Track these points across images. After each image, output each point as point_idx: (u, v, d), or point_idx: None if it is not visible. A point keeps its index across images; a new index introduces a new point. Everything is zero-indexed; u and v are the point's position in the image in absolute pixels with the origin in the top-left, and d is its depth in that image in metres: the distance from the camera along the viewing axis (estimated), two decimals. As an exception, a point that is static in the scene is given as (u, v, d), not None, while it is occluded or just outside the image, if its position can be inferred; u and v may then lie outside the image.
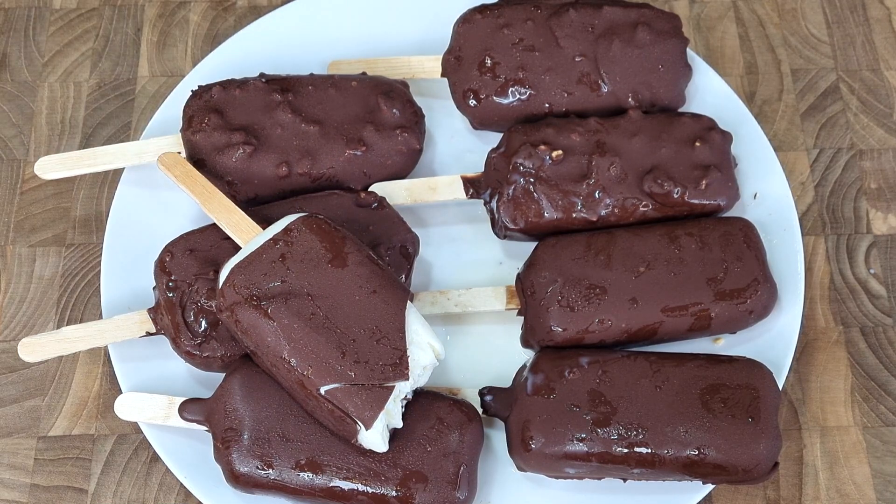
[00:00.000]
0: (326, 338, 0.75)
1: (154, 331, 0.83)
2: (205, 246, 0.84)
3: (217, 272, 0.80)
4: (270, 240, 0.79)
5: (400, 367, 0.76)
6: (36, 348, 0.83)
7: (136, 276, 0.87)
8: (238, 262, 0.78)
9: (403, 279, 0.84)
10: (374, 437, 0.75)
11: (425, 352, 0.78)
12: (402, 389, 0.77)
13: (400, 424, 0.77)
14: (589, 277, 0.82)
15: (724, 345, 0.86)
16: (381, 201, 0.86)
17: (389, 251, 0.83)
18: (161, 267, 0.83)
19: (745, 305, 0.82)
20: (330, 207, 0.85)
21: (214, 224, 0.84)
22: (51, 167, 0.89)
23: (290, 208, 0.85)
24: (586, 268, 0.83)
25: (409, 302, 0.79)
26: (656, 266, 0.83)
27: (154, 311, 0.83)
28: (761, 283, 0.83)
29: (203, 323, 0.81)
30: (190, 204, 0.89)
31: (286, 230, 0.79)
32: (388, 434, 0.77)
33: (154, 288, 0.83)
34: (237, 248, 0.81)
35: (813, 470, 0.87)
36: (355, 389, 0.75)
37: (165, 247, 0.84)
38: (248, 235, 0.81)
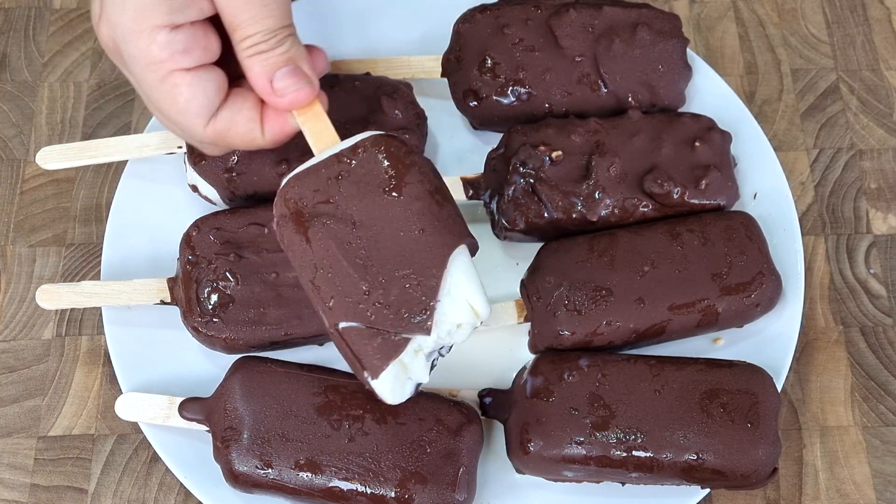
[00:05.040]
0: (356, 271, 0.70)
1: (168, 300, 0.84)
2: (231, 227, 0.84)
3: (238, 255, 0.81)
4: (335, 155, 0.72)
5: (424, 320, 0.69)
6: (53, 296, 0.84)
7: (136, 266, 0.88)
8: (297, 173, 0.73)
9: None
10: (383, 388, 0.70)
11: (461, 308, 0.71)
12: (423, 344, 0.70)
13: (426, 380, 0.72)
14: (594, 279, 0.82)
15: (725, 343, 0.86)
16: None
17: None
18: (186, 240, 0.84)
19: (751, 299, 0.82)
20: None
21: (244, 207, 0.85)
22: (52, 158, 0.89)
23: None
24: (591, 270, 0.83)
25: (459, 250, 0.71)
26: (660, 264, 0.83)
27: (172, 282, 0.84)
28: (766, 275, 0.83)
29: (214, 302, 0.82)
30: (191, 199, 0.90)
31: (354, 147, 0.73)
32: (413, 388, 0.72)
33: (178, 259, 0.84)
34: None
35: (813, 470, 0.87)
36: (371, 333, 0.69)
37: (195, 221, 0.85)
38: (324, 146, 0.74)
